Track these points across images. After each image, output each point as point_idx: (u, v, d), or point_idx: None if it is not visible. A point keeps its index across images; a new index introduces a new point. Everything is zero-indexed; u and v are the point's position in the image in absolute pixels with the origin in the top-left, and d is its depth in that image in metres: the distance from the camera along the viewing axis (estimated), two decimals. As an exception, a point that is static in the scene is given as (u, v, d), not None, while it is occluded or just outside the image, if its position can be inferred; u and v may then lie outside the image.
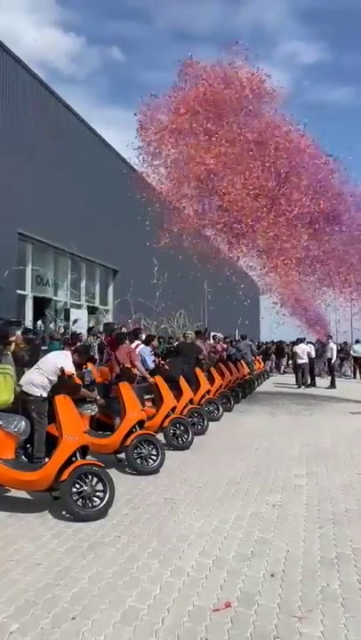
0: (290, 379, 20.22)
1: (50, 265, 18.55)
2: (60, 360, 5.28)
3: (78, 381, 4.99)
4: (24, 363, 7.57)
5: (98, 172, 19.55)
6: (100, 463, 4.61)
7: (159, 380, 7.39)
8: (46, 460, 4.94)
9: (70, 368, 5.21)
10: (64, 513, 4.41)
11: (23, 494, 4.86)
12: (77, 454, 4.49)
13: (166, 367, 7.94)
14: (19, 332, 10.97)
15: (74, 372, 5.11)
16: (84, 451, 4.62)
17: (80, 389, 5.03)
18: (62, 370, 4.80)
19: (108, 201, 19.70)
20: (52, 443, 5.25)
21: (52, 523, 4.25)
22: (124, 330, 15.28)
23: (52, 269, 18.70)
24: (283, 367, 24.79)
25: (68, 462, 4.41)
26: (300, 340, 17.92)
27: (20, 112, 15.49)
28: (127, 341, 7.48)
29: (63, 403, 4.68)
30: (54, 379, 5.22)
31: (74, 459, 4.45)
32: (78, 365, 5.60)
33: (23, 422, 4.73)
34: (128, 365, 6.47)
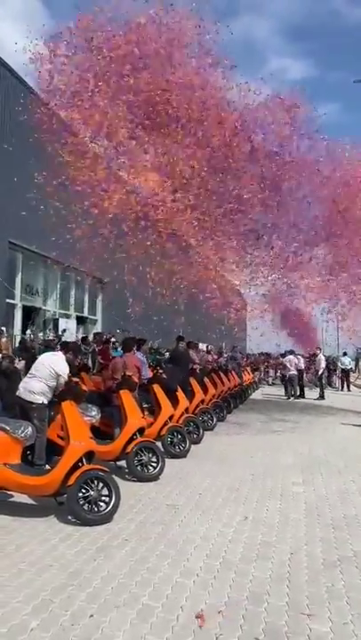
0: (277, 390, 20.46)
1: (39, 274, 18.55)
2: (55, 362, 5.41)
3: (85, 388, 5.09)
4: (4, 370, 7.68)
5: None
6: (105, 468, 4.70)
7: (157, 388, 7.50)
8: (47, 466, 5.04)
9: (66, 369, 5.37)
10: (70, 517, 4.47)
11: (26, 499, 4.92)
12: (83, 459, 4.58)
13: (164, 376, 8.05)
14: (3, 340, 11.05)
15: (68, 373, 5.29)
16: (89, 456, 4.70)
17: (85, 395, 5.13)
18: (70, 377, 4.89)
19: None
20: (50, 449, 5.35)
21: (59, 527, 4.32)
22: (113, 339, 15.39)
23: (41, 279, 18.70)
24: (271, 378, 25.02)
25: (75, 467, 4.49)
26: (288, 352, 18.16)
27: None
28: (135, 349, 7.59)
29: (69, 409, 4.77)
30: (53, 383, 5.35)
31: (80, 464, 4.53)
32: (71, 364, 5.73)
33: (30, 428, 4.81)
34: (130, 373, 6.56)
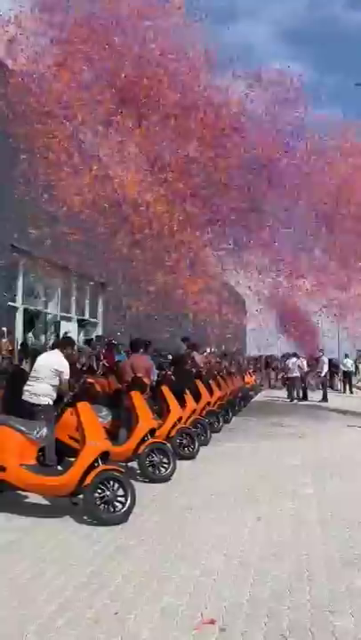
0: (279, 392, 20.50)
1: (40, 277, 18.54)
2: (54, 361, 5.56)
3: (99, 388, 5.13)
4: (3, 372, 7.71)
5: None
6: (121, 469, 4.73)
7: (166, 389, 7.53)
8: (59, 467, 5.07)
9: (65, 365, 5.51)
10: (85, 517, 4.51)
11: (40, 499, 4.95)
12: (99, 460, 4.61)
13: (172, 377, 8.08)
14: (4, 340, 11.05)
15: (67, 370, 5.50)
16: (104, 457, 4.73)
17: (99, 396, 5.16)
18: (85, 378, 4.93)
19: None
20: (60, 450, 5.38)
21: (76, 527, 4.35)
22: (114, 341, 15.38)
23: (42, 282, 18.70)
24: (272, 381, 25.06)
25: (90, 468, 4.52)
26: (291, 355, 18.21)
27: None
28: (142, 350, 7.63)
29: (84, 409, 4.80)
30: (55, 382, 5.47)
31: (96, 464, 4.56)
32: (68, 357, 5.76)
33: (45, 429, 4.84)
34: (140, 375, 6.60)
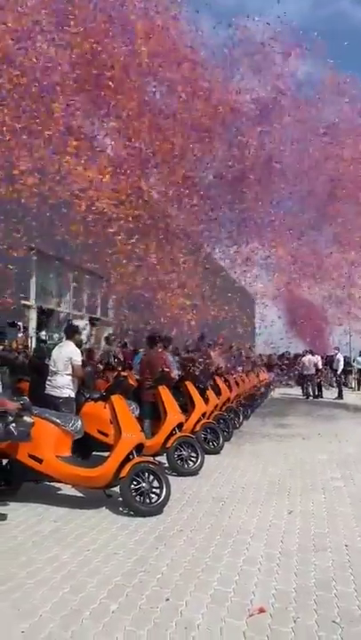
0: (293, 390, 20.43)
1: (53, 276, 18.65)
2: (67, 351, 5.86)
3: (133, 382, 5.17)
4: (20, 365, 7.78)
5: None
6: (155, 461, 4.77)
7: (190, 385, 7.56)
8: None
9: (76, 353, 5.87)
10: (120, 509, 4.55)
11: (74, 491, 5.00)
12: (134, 452, 4.65)
13: (196, 373, 8.11)
14: (20, 335, 11.10)
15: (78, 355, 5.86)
16: (138, 449, 4.77)
17: (132, 389, 5.21)
18: (119, 372, 4.98)
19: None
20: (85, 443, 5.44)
21: (113, 517, 4.40)
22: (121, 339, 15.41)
23: (54, 280, 18.81)
24: (286, 378, 24.97)
25: (126, 460, 4.57)
26: (307, 352, 18.17)
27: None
28: (159, 345, 7.66)
29: (119, 402, 4.85)
30: (70, 372, 5.83)
31: (131, 456, 4.61)
32: (78, 344, 6.16)
33: (79, 421, 4.90)
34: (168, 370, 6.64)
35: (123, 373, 5.24)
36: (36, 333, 16.49)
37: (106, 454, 5.62)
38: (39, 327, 17.40)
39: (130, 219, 7.02)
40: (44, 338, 15.20)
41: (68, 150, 6.45)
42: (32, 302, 17.20)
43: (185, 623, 2.70)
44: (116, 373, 5.18)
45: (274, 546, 3.82)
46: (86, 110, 7.40)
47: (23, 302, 16.35)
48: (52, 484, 4.95)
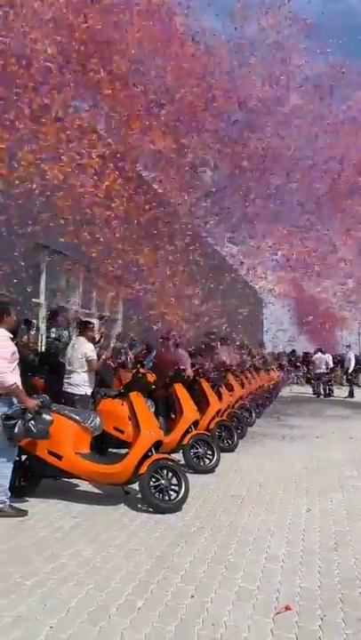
0: (303, 388, 20.39)
1: (63, 274, 18.69)
2: (83, 349, 5.87)
3: (152, 379, 5.18)
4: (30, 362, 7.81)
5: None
6: (173, 458, 4.77)
7: (205, 383, 7.56)
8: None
9: (90, 349, 5.89)
10: (139, 506, 4.57)
11: (91, 487, 5.02)
12: (152, 449, 4.66)
13: (209, 371, 8.11)
14: (32, 333, 11.15)
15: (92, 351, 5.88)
16: (156, 446, 4.78)
17: (150, 387, 5.21)
18: (137, 369, 4.99)
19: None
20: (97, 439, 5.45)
21: (132, 514, 4.41)
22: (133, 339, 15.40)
23: (64, 278, 18.86)
24: (295, 377, 24.90)
25: (145, 457, 4.57)
26: (318, 350, 18.10)
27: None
28: (172, 342, 7.67)
29: (137, 399, 4.85)
30: (86, 369, 5.84)
31: (150, 453, 4.61)
32: (93, 340, 6.16)
33: (98, 418, 4.91)
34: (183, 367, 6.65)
35: (141, 370, 5.24)
36: (47, 331, 16.61)
37: (122, 451, 5.70)
38: (49, 325, 17.52)
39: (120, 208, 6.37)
40: (54, 336, 15.30)
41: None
42: (42, 300, 17.30)
43: (212, 620, 2.70)
44: (135, 371, 5.18)
45: (295, 544, 3.81)
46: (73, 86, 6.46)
47: (34, 300, 16.48)
48: (70, 480, 4.97)
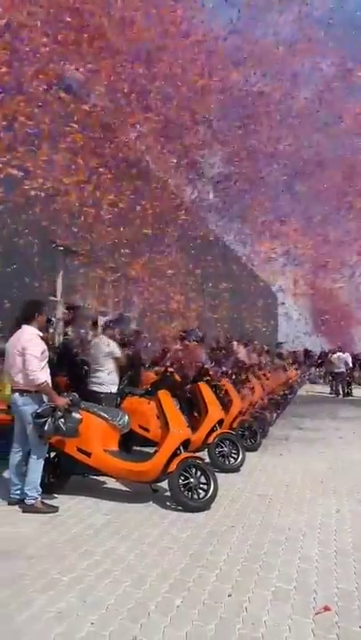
0: (320, 388, 20.24)
1: (79, 271, 18.79)
2: (106, 346, 5.94)
3: (179, 378, 5.18)
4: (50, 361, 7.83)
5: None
6: (201, 457, 4.77)
7: (226, 382, 7.54)
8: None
9: (114, 345, 5.99)
10: (168, 503, 4.58)
11: (118, 485, 5.04)
12: (181, 447, 4.66)
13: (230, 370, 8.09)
14: (51, 330, 11.22)
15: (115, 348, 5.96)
16: (185, 444, 4.78)
17: (178, 385, 5.22)
18: (166, 367, 5.00)
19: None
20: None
21: (162, 512, 4.42)
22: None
23: (81, 277, 18.95)
24: (312, 376, 24.76)
25: (173, 455, 4.58)
26: (337, 349, 17.96)
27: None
28: (193, 340, 7.64)
29: (165, 398, 4.86)
30: (111, 365, 5.92)
31: (178, 452, 4.62)
32: (113, 337, 6.18)
33: (126, 416, 4.93)
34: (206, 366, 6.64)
35: (170, 369, 5.25)
36: (64, 329, 16.75)
37: (146, 450, 5.73)
38: (66, 323, 17.66)
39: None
40: (71, 334, 15.40)
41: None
42: (59, 298, 17.43)
43: (251, 619, 2.69)
44: (163, 369, 5.20)
45: (328, 545, 3.79)
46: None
47: (51, 298, 16.61)
48: (97, 477, 5.00)
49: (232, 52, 8.14)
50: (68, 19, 6.07)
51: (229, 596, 2.94)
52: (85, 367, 6.81)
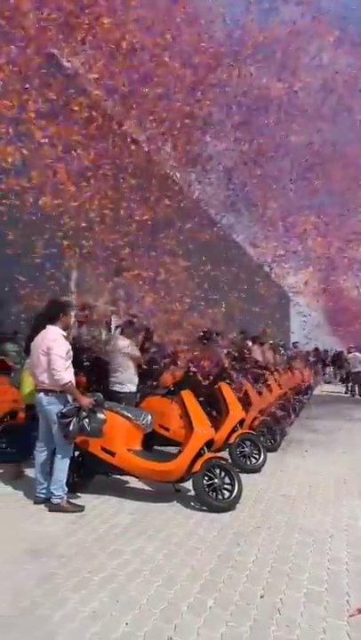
0: (335, 388, 20.08)
1: (92, 272, 18.88)
2: (122, 346, 6.01)
3: (199, 378, 5.18)
4: None
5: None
6: (225, 457, 4.76)
7: (246, 382, 7.52)
8: None
9: (130, 344, 6.06)
10: (192, 503, 4.57)
11: (139, 484, 5.04)
12: (205, 448, 4.65)
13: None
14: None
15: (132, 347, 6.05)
16: (208, 445, 4.77)
17: (201, 385, 5.21)
18: (188, 367, 4.99)
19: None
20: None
21: (186, 512, 4.41)
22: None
23: (94, 277, 19.04)
24: (327, 376, 24.60)
25: (197, 455, 4.57)
26: (352, 348, 17.82)
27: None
28: (212, 341, 7.63)
29: (189, 398, 4.86)
30: (128, 363, 5.97)
31: (202, 452, 4.61)
32: (130, 336, 6.26)
33: (149, 416, 4.93)
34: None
35: (193, 369, 5.24)
36: (78, 329, 16.87)
37: (166, 449, 5.74)
38: (80, 323, 17.77)
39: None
40: (85, 333, 15.49)
41: None
42: (72, 299, 17.53)
43: (285, 621, 2.68)
44: (186, 369, 5.20)
45: (357, 546, 3.76)
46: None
47: (65, 299, 16.72)
48: (120, 477, 5.01)
49: (239, 41, 7.94)
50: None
51: (261, 597, 2.93)
52: (101, 367, 6.84)
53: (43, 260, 7.34)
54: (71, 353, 4.60)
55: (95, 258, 7.33)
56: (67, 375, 4.41)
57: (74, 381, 4.51)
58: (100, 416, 4.49)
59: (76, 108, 5.71)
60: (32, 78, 5.45)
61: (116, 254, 6.97)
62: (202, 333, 7.88)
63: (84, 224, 6.16)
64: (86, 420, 4.39)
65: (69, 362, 4.53)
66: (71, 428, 4.32)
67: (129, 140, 6.49)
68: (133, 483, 5.10)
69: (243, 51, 7.41)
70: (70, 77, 6.17)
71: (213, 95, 7.38)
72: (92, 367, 7.72)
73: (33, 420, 5.32)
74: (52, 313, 4.63)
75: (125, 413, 4.80)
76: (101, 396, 4.65)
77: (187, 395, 4.86)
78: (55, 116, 5.68)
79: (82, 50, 6.13)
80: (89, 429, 4.38)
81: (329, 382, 23.62)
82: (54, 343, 4.41)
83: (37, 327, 4.96)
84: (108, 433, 4.58)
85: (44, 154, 5.35)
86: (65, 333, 4.65)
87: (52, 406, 4.41)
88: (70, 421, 4.34)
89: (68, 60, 6.27)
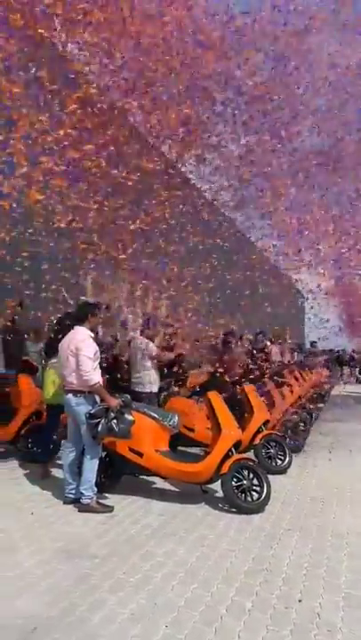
0: (352, 388, 19.88)
1: (107, 272, 18.92)
2: (144, 346, 5.97)
3: (225, 379, 5.15)
4: None
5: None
6: (253, 459, 4.73)
7: (269, 383, 7.47)
8: None
9: (149, 342, 5.99)
10: (220, 505, 4.55)
11: (165, 485, 5.03)
12: (233, 449, 4.63)
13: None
14: None
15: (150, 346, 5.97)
16: (236, 446, 4.74)
17: (227, 386, 5.19)
18: (215, 368, 4.97)
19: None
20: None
21: (215, 513, 4.39)
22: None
23: (109, 277, 19.07)
24: (344, 376, 24.38)
25: (226, 456, 4.55)
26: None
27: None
28: (234, 342, 7.61)
29: (216, 399, 4.83)
30: (148, 363, 5.96)
31: (230, 453, 4.58)
32: (150, 337, 6.18)
33: (176, 417, 4.92)
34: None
35: (219, 370, 5.23)
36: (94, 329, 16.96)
37: (190, 450, 5.72)
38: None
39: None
40: (101, 334, 15.55)
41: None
42: (88, 299, 17.62)
43: (326, 626, 2.65)
44: (213, 370, 5.19)
45: (392, 550, 3.70)
46: None
47: (81, 297, 16.80)
48: (148, 478, 5.01)
49: (248, 34, 7.77)
50: None
51: (300, 601, 2.90)
52: (120, 367, 6.84)
53: (61, 261, 7.38)
54: (99, 354, 4.61)
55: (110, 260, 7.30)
56: (95, 376, 4.42)
57: (102, 382, 4.52)
58: (129, 417, 4.49)
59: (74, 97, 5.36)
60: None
61: (117, 261, 6.92)
62: (223, 336, 7.89)
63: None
64: (114, 420, 4.39)
65: (97, 362, 4.54)
66: (100, 428, 4.33)
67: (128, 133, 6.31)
68: (159, 483, 5.09)
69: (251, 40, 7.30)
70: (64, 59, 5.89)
71: (219, 86, 7.25)
72: (111, 367, 7.75)
73: (55, 421, 5.37)
74: (81, 314, 4.65)
75: (153, 414, 4.79)
76: (129, 397, 4.65)
77: (214, 396, 4.83)
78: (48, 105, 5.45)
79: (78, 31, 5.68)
80: (117, 430, 4.38)
81: (346, 383, 23.41)
82: (83, 344, 4.43)
83: (62, 329, 4.99)
84: (135, 434, 4.57)
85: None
86: (93, 334, 4.66)
87: (80, 407, 4.43)
88: (99, 422, 4.35)
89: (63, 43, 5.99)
